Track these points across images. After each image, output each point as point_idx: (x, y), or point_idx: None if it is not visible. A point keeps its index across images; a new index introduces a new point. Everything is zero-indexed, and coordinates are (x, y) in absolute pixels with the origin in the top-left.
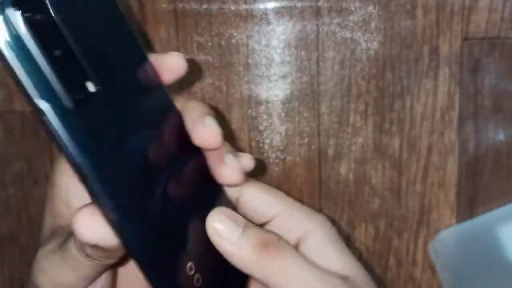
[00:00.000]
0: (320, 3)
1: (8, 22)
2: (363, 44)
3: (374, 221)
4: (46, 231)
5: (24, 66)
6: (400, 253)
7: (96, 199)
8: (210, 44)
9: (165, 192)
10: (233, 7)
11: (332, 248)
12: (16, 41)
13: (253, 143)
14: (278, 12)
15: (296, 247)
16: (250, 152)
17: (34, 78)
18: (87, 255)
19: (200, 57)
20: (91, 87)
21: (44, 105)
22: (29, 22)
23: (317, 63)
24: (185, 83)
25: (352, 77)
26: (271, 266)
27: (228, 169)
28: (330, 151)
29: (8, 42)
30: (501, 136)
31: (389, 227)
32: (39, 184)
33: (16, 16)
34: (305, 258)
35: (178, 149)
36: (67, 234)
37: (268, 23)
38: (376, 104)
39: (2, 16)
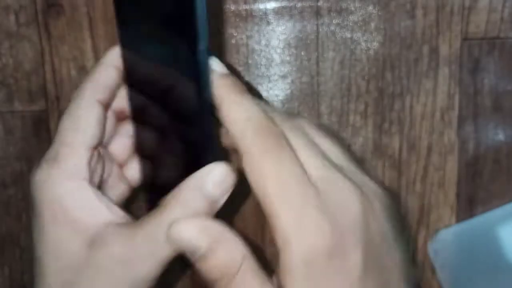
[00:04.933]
0: (320, 3)
1: None
2: (363, 44)
3: None
4: None
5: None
6: None
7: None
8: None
9: None
10: (233, 7)
11: None
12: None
13: None
14: (278, 12)
15: None
16: None
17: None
18: None
19: None
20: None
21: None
22: None
23: (317, 63)
24: None
25: (352, 77)
26: None
27: None
28: None
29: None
30: (501, 136)
31: None
32: None
33: None
34: None
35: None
36: None
37: (268, 23)
38: (376, 104)
39: None
